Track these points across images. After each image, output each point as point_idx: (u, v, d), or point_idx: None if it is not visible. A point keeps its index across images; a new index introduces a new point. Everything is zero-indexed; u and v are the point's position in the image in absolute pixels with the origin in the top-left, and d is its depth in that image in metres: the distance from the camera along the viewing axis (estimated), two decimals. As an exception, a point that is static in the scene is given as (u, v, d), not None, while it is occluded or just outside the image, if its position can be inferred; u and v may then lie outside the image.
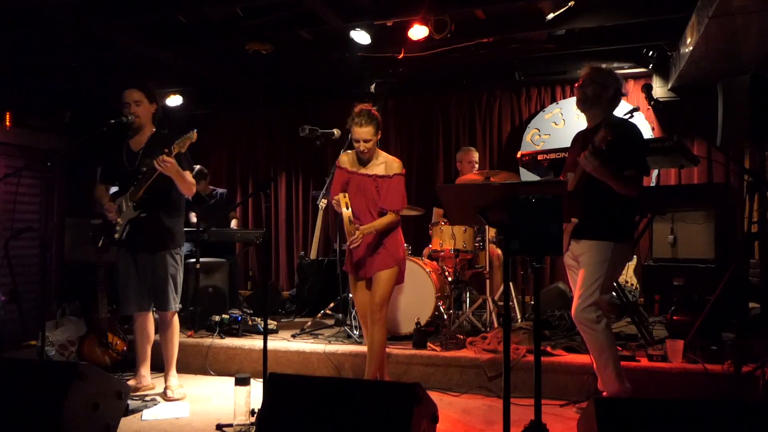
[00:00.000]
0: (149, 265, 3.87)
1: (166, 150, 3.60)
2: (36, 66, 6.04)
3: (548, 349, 4.06)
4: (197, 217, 5.78)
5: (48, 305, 5.90)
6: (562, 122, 6.36)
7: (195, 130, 3.65)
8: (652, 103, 3.72)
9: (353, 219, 3.54)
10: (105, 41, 5.44)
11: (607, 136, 3.02)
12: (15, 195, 5.50)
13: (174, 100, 6.72)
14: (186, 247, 5.81)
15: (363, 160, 3.66)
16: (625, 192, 3.12)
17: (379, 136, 3.62)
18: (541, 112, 6.49)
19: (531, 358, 3.92)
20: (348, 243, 3.54)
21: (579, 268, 3.28)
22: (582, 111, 3.41)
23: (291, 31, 5.39)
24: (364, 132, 3.56)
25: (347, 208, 3.51)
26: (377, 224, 3.57)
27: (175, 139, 3.64)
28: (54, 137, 6.71)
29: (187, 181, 3.79)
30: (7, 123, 6.30)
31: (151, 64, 6.00)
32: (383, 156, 3.68)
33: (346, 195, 3.58)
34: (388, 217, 3.59)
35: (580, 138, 3.44)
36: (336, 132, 3.85)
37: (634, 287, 5.26)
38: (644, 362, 3.78)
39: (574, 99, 6.17)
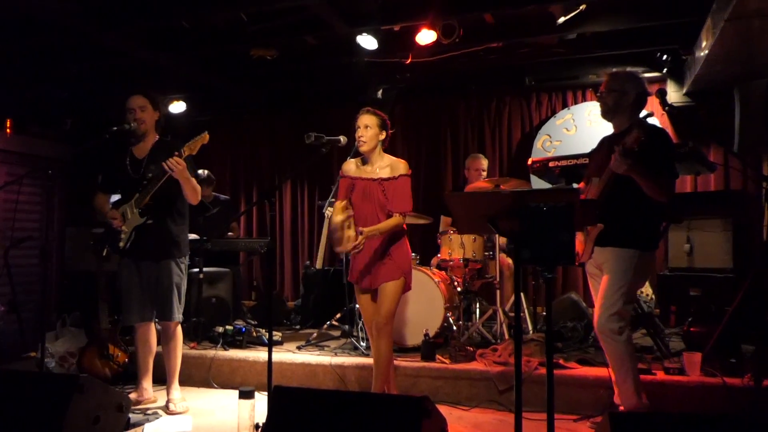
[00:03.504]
0: (153, 273, 3.88)
1: (177, 152, 3.62)
2: (37, 73, 6.09)
3: (561, 361, 4.04)
4: (197, 228, 5.79)
5: (48, 316, 5.91)
6: (574, 128, 6.35)
7: (206, 132, 3.68)
8: (667, 108, 3.70)
9: (354, 225, 3.51)
10: (107, 48, 5.48)
11: (639, 137, 3.00)
12: (15, 203, 5.51)
13: (177, 107, 6.75)
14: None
15: (365, 159, 3.65)
16: (657, 196, 3.10)
17: (383, 136, 3.61)
18: (552, 118, 6.48)
19: (543, 370, 3.88)
20: (344, 248, 3.50)
21: (602, 277, 3.27)
22: (607, 120, 3.40)
23: (296, 36, 5.41)
24: (364, 119, 3.59)
25: (341, 214, 3.50)
26: (381, 227, 3.54)
27: (180, 144, 3.66)
28: (55, 145, 6.74)
29: (194, 187, 3.82)
30: (8, 130, 6.34)
31: (154, 70, 6.04)
32: (388, 158, 3.66)
33: (345, 202, 3.59)
34: (394, 220, 3.55)
35: (606, 143, 3.42)
36: (342, 139, 3.84)
37: (649, 297, 5.23)
38: (660, 375, 3.76)
39: (585, 104, 6.32)
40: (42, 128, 6.74)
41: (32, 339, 5.24)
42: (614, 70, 3.47)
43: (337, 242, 3.52)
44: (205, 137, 3.68)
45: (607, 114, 3.35)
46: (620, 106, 3.29)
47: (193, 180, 3.80)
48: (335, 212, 3.52)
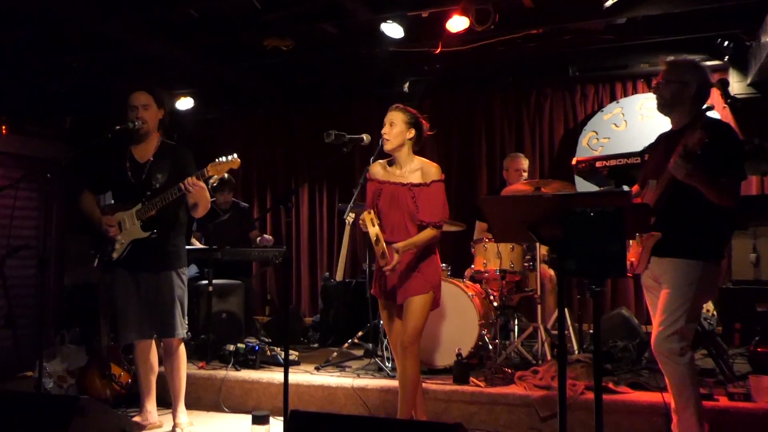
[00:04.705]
0: (152, 286, 3.90)
1: (198, 172, 3.69)
2: (34, 67, 6.19)
3: (610, 385, 3.99)
4: (202, 237, 5.83)
5: (45, 332, 6.00)
6: (624, 124, 6.29)
7: (235, 155, 3.71)
8: (729, 100, 3.66)
9: (381, 237, 3.51)
10: (109, 39, 5.56)
11: (703, 138, 2.95)
12: (12, 209, 5.60)
13: (184, 103, 6.83)
14: (194, 269, 5.87)
15: (392, 161, 3.65)
16: (722, 202, 3.06)
17: (410, 134, 3.60)
18: (599, 113, 6.43)
19: (590, 395, 3.80)
20: (384, 267, 3.50)
21: (660, 290, 3.22)
22: (664, 115, 3.36)
23: (314, 24, 5.44)
24: (390, 116, 3.60)
25: (374, 225, 3.50)
26: (417, 240, 3.53)
27: (188, 155, 3.71)
28: (54, 145, 6.85)
29: (207, 207, 3.94)
30: (3, 129, 6.46)
31: (159, 63, 6.12)
32: (418, 161, 3.65)
33: (371, 212, 3.58)
34: (429, 232, 3.55)
35: (664, 141, 3.38)
36: (365, 137, 3.85)
37: (710, 314, 5.15)
38: (724, 401, 3.70)
39: (636, 97, 6.26)
40: (39, 127, 6.86)
41: (29, 357, 5.31)
42: (672, 58, 3.42)
43: (382, 256, 3.50)
44: (236, 162, 3.72)
45: (664, 108, 3.31)
46: (680, 99, 3.24)
47: (209, 197, 3.88)
48: (368, 224, 3.51)
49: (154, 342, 4.08)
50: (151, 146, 3.97)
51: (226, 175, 5.96)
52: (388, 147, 3.61)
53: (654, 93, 3.33)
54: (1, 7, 5.07)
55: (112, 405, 4.34)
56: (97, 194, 4.13)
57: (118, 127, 3.83)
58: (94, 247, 3.99)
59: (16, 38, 5.57)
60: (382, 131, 3.61)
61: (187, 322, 4.04)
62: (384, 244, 3.48)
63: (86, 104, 6.99)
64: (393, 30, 5.29)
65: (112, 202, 4.05)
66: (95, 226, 3.93)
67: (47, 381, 4.75)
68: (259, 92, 7.29)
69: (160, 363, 4.16)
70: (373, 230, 3.49)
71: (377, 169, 3.74)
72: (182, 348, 4.05)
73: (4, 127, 6.48)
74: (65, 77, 6.42)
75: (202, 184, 3.69)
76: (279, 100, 7.42)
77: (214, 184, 5.79)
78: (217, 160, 3.70)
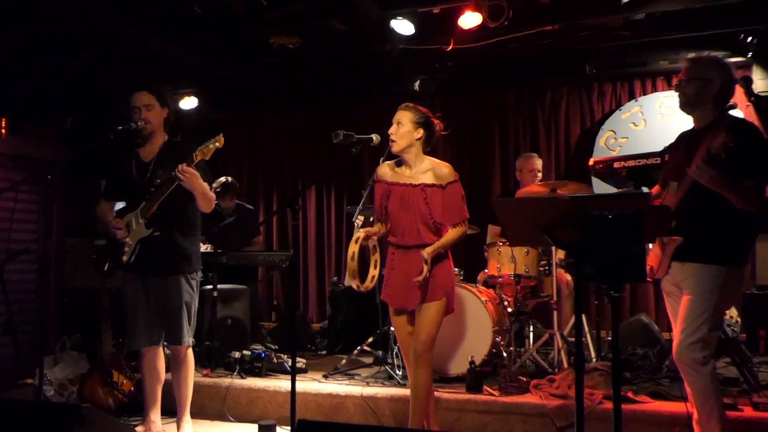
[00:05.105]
0: (161, 291, 3.92)
1: (186, 159, 3.68)
2: (33, 66, 6.23)
3: (630, 394, 3.98)
4: (209, 240, 5.85)
5: (46, 338, 6.04)
6: (643, 123, 6.27)
7: (221, 135, 3.73)
8: (752, 98, 3.63)
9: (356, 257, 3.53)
10: (110, 37, 5.60)
11: (728, 142, 2.93)
12: (11, 212, 5.64)
13: (188, 102, 6.86)
14: (199, 274, 5.89)
15: (401, 162, 3.65)
16: (746, 207, 3.05)
17: (419, 134, 3.59)
18: (617, 112, 6.42)
19: (609, 405, 3.84)
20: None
21: (681, 296, 3.22)
22: (687, 113, 3.35)
23: (322, 21, 5.46)
24: (398, 115, 3.61)
25: (356, 243, 3.52)
26: (445, 242, 3.54)
27: (195, 146, 3.71)
28: (54, 146, 6.89)
29: (207, 196, 3.86)
30: (2, 131, 6.51)
31: (162, 61, 6.15)
32: (429, 161, 3.65)
33: (364, 229, 3.60)
34: (459, 230, 3.55)
35: (686, 140, 3.37)
36: (375, 138, 3.86)
37: (734, 320, 5.12)
38: (748, 411, 3.69)
39: (656, 95, 6.24)
40: (39, 128, 6.90)
41: (29, 364, 5.35)
42: (694, 54, 3.41)
43: (352, 276, 3.54)
44: (220, 140, 3.72)
45: (687, 106, 3.30)
46: (703, 97, 3.24)
47: (206, 187, 3.84)
48: (352, 242, 3.54)
49: (162, 349, 4.10)
50: (156, 145, 4.00)
51: (229, 179, 6.02)
52: (395, 148, 3.61)
53: (676, 90, 3.32)
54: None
55: (115, 414, 4.37)
56: (111, 201, 4.16)
57: (120, 128, 3.84)
58: (106, 252, 4.02)
59: (15, 37, 5.61)
60: (389, 131, 3.61)
61: (193, 328, 4.05)
62: (355, 266, 3.52)
63: (86, 105, 7.03)
64: (403, 27, 5.30)
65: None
66: (108, 232, 3.98)
67: (48, 389, 4.78)
68: (265, 91, 7.31)
69: (167, 371, 4.17)
70: (353, 248, 3.52)
71: (385, 170, 3.74)
72: (190, 355, 4.06)
73: (2, 128, 6.52)
74: (65, 77, 6.45)
75: (193, 170, 3.67)
76: (285, 100, 7.43)
77: (218, 189, 5.82)
78: (203, 143, 3.71)
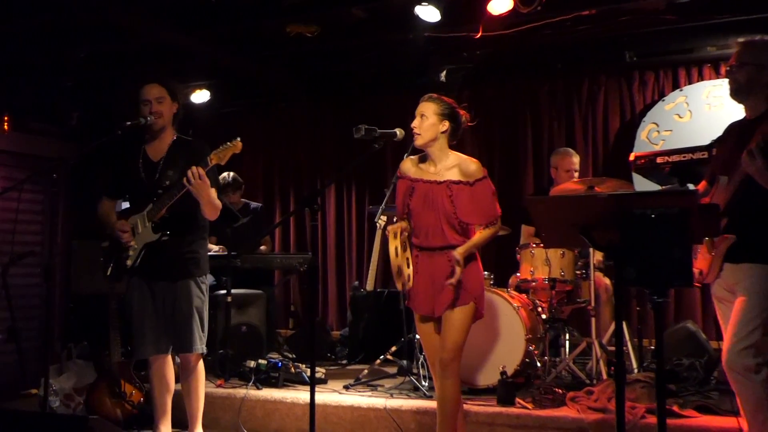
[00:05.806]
0: (170, 296, 3.94)
1: (201, 162, 3.68)
2: (38, 60, 6.31)
3: (675, 408, 3.95)
4: (220, 241, 5.87)
5: (51, 346, 6.10)
6: (688, 114, 6.21)
7: (238, 139, 3.74)
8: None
9: (402, 252, 3.50)
10: (119, 28, 5.66)
11: None
12: (15, 213, 5.70)
13: (200, 96, 6.91)
14: (210, 278, 5.92)
15: (425, 157, 3.64)
16: None
17: (444, 127, 3.56)
18: (660, 102, 6.36)
19: (652, 420, 3.81)
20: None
21: (734, 301, 3.18)
22: (738, 102, 3.32)
23: (341, 8, 5.47)
24: (421, 107, 3.60)
25: (396, 238, 3.50)
26: (477, 242, 3.54)
27: (208, 147, 3.72)
28: (59, 143, 6.97)
29: (214, 204, 3.87)
30: (5, 127, 6.59)
31: (172, 53, 6.21)
32: (455, 156, 3.63)
33: (401, 224, 3.58)
34: (492, 229, 3.56)
35: (737, 130, 3.34)
36: (398, 132, 3.85)
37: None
38: (805, 427, 3.62)
39: (703, 84, 6.18)
40: (44, 124, 6.98)
41: (33, 373, 5.42)
42: (746, 39, 3.37)
43: (398, 273, 3.52)
44: (238, 145, 3.74)
45: (738, 94, 3.27)
46: (756, 84, 3.20)
47: (213, 194, 3.84)
48: (390, 237, 3.52)
49: (170, 358, 4.12)
50: (165, 143, 4.02)
51: (231, 175, 6.05)
52: (418, 142, 3.59)
53: (726, 77, 3.29)
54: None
55: (123, 426, 4.41)
56: (115, 199, 4.19)
57: (129, 123, 3.88)
58: (109, 255, 4.03)
59: (21, 31, 5.68)
60: (412, 124, 3.59)
61: (205, 335, 4.06)
62: (404, 260, 3.49)
63: (94, 99, 7.10)
64: (428, 13, 5.29)
65: (128, 205, 4.11)
66: (111, 233, 3.99)
67: (53, 399, 4.83)
68: (281, 84, 7.34)
69: (177, 381, 4.20)
70: (394, 243, 3.49)
71: (408, 165, 3.73)
72: (201, 364, 4.08)
73: (6, 124, 6.60)
74: (72, 71, 6.52)
75: (206, 178, 3.68)
76: (303, 92, 7.46)
77: (228, 181, 5.86)
78: (220, 147, 3.73)
